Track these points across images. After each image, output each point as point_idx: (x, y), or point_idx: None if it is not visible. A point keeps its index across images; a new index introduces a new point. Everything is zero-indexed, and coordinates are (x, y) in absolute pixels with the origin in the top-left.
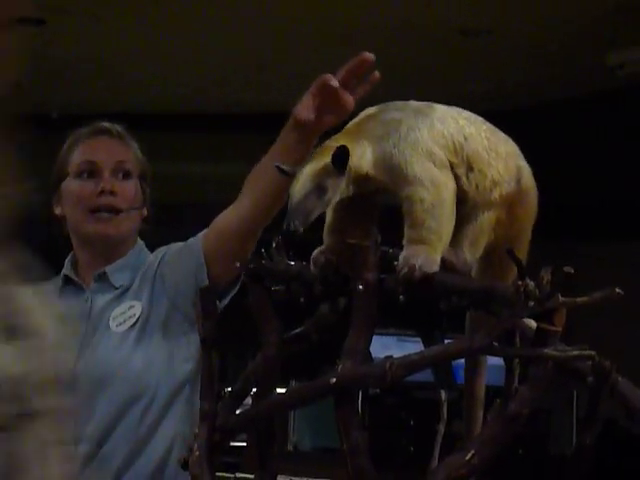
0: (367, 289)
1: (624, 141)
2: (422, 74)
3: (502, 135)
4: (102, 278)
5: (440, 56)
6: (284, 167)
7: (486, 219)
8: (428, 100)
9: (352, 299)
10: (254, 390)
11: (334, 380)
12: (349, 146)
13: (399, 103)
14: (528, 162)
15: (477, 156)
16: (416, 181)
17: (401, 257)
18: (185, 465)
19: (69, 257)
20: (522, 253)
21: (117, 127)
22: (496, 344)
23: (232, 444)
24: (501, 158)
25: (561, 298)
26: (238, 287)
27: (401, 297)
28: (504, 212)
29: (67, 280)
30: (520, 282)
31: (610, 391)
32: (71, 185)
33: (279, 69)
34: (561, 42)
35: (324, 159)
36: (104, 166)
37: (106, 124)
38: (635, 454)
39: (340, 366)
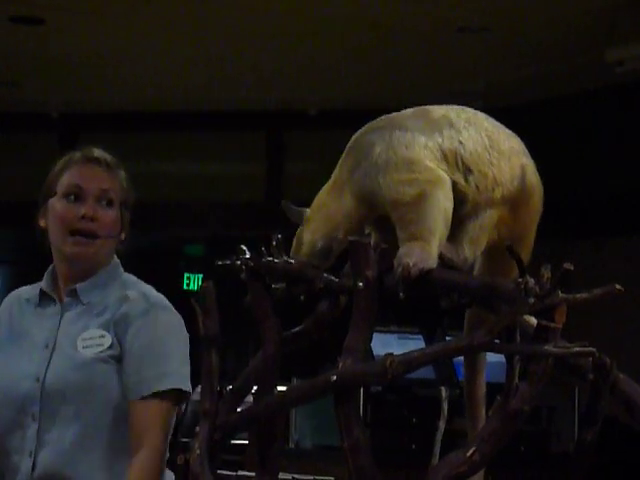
0: (367, 287)
1: (623, 138)
2: (419, 71)
3: (506, 132)
4: (72, 294)
5: (437, 53)
6: (293, 209)
7: (487, 217)
8: (425, 96)
9: (352, 297)
10: (255, 388)
11: (335, 378)
12: (335, 205)
13: (383, 120)
14: None
15: (476, 157)
16: (392, 201)
17: (397, 256)
18: (186, 464)
19: (49, 269)
20: (526, 251)
21: (107, 156)
22: (497, 341)
23: (233, 442)
24: (504, 156)
25: (561, 295)
26: None
27: (401, 295)
28: (507, 211)
29: (44, 293)
30: (520, 279)
31: (611, 388)
32: (57, 204)
33: (275, 68)
34: (559, 39)
35: (312, 244)
36: (89, 192)
37: (96, 153)
38: (636, 450)
39: (340, 364)
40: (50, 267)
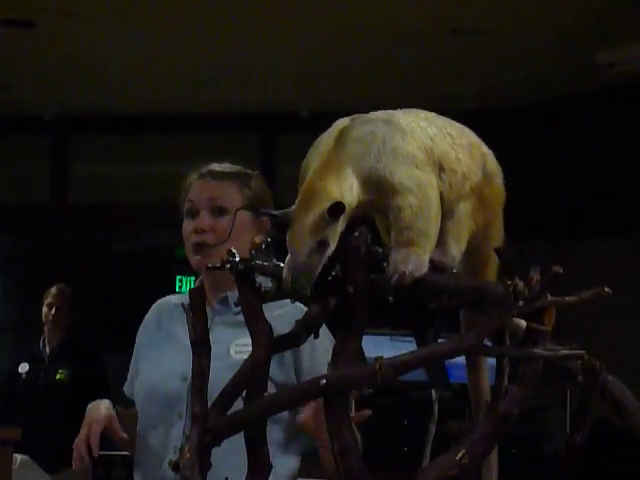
0: (357, 290)
1: (614, 139)
2: (412, 73)
3: (459, 126)
4: (224, 302)
5: (430, 55)
6: (273, 212)
7: (462, 211)
8: (418, 99)
9: (342, 300)
10: (245, 391)
11: (324, 381)
12: (335, 181)
13: (364, 116)
14: (518, 161)
15: (445, 155)
16: (403, 189)
17: (391, 262)
18: (176, 467)
19: (198, 281)
20: (497, 236)
21: (218, 167)
22: (487, 343)
23: None
24: (466, 150)
25: (550, 297)
26: None
27: (391, 299)
28: (477, 201)
29: None
30: (509, 282)
31: (600, 390)
32: (183, 223)
33: (267, 71)
34: (551, 41)
35: (317, 207)
36: (199, 205)
37: (205, 169)
38: (627, 453)
39: (330, 367)
40: (199, 279)
